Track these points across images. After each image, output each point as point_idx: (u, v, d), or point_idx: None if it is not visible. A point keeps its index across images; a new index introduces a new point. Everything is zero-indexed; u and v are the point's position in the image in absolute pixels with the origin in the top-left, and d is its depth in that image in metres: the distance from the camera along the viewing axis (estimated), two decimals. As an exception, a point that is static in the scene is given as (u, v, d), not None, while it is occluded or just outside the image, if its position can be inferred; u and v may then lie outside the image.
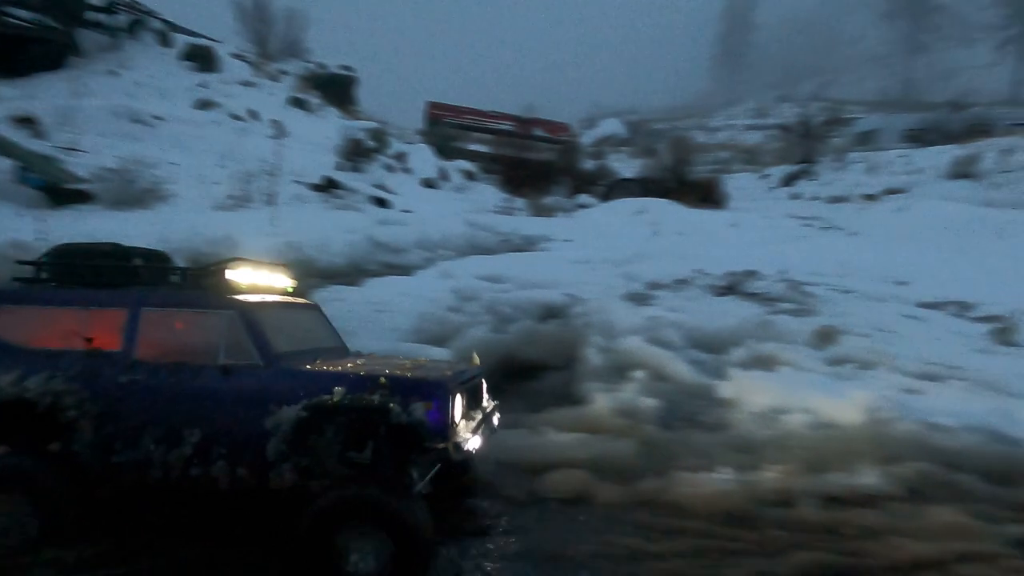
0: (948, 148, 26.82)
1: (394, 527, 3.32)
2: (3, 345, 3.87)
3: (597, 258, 13.60)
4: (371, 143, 21.50)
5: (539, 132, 30.41)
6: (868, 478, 4.52)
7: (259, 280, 4.29)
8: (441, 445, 3.53)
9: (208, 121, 19.00)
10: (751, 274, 11.09)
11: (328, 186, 18.61)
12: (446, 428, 3.56)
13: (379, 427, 3.54)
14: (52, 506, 3.66)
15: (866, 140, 30.29)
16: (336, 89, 24.72)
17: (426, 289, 9.50)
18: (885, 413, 5.16)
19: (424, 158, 23.45)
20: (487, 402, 4.44)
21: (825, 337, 7.55)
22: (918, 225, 15.03)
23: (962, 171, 25.32)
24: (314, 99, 23.40)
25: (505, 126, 29.77)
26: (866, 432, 5.03)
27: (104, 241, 4.57)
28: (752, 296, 9.73)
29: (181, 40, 21.64)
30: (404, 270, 12.08)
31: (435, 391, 3.61)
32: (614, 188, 25.53)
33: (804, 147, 29.33)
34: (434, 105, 29.56)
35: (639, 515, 4.23)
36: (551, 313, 8.59)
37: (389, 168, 21.64)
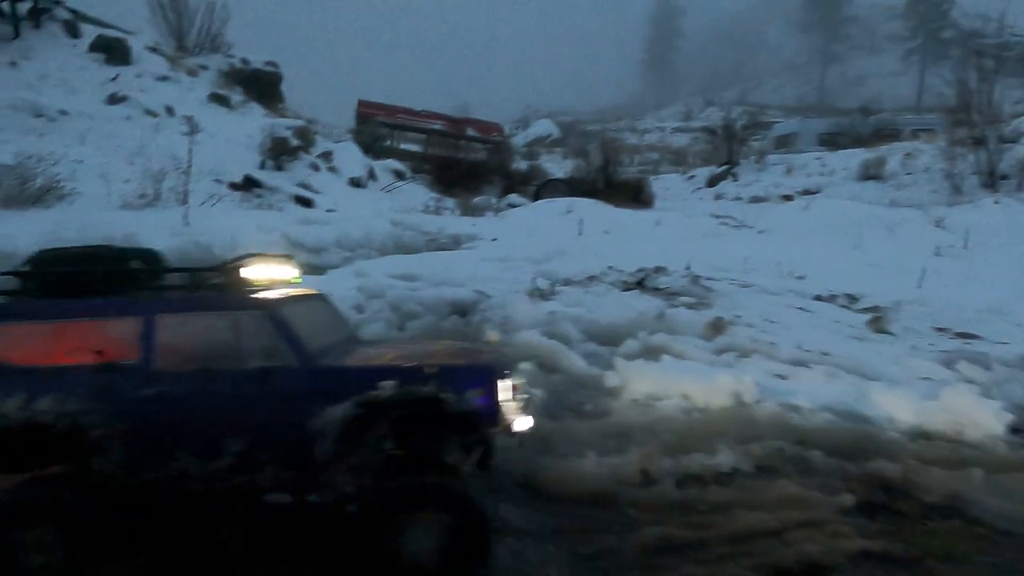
0: (858, 151, 28.46)
1: (461, 512, 3.40)
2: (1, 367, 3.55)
3: (518, 256, 13.78)
4: (296, 141, 21.09)
5: (471, 132, 30.50)
6: (725, 457, 4.80)
7: (272, 275, 4.07)
8: (495, 429, 3.59)
9: (119, 117, 18.24)
10: (660, 270, 11.47)
11: (248, 185, 18.19)
12: (498, 412, 3.61)
13: (432, 417, 3.55)
14: (82, 534, 3.43)
15: (785, 143, 31.75)
16: (260, 86, 24.12)
17: (335, 288, 9.36)
18: (749, 397, 5.49)
19: (352, 157, 23.17)
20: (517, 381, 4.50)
21: (715, 328, 7.92)
22: (820, 223, 15.90)
23: (870, 173, 26.93)
24: (236, 95, 22.77)
25: (437, 126, 29.72)
26: (730, 414, 5.34)
27: (96, 244, 4.29)
28: (656, 291, 10.08)
29: (90, 31, 20.66)
30: (319, 269, 11.94)
31: (485, 377, 3.64)
32: (544, 188, 25.88)
33: (727, 149, 30.49)
34: (364, 104, 29.22)
35: (506, 499, 4.37)
36: (457, 310, 8.69)
37: (314, 167, 21.29)
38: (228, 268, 3.93)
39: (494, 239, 17.28)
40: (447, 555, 3.38)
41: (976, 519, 4.23)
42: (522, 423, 3.80)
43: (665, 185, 30.18)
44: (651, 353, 6.98)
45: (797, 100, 39.49)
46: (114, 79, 19.58)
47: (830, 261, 13.31)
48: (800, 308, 9.71)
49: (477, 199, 23.94)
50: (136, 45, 21.27)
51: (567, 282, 10.92)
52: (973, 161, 23.91)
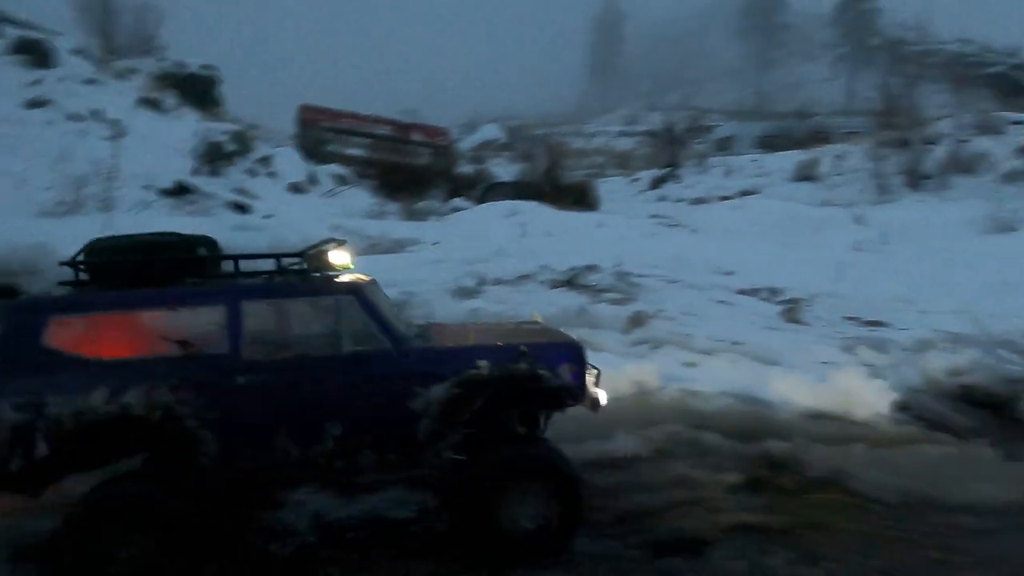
0: (793, 153, 29.48)
1: (559, 481, 3.57)
2: (71, 359, 3.38)
3: (456, 258, 13.79)
4: (232, 146, 20.64)
5: (417, 137, 30.34)
6: (622, 442, 4.90)
7: (343, 260, 4.00)
8: (583, 403, 3.83)
9: (40, 121, 17.51)
10: (591, 268, 11.65)
11: (180, 191, 17.70)
12: (585, 387, 3.82)
13: (527, 394, 3.70)
14: (181, 530, 3.32)
15: (725, 146, 32.66)
16: (197, 89, 23.50)
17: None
18: (652, 384, 5.62)
19: (292, 162, 22.81)
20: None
21: (635, 322, 8.09)
22: (751, 222, 16.41)
23: (804, 174, 27.90)
24: (170, 99, 22.14)
25: (382, 130, 29.47)
26: (632, 402, 5.45)
27: (157, 232, 4.15)
28: (584, 288, 10.24)
29: (10, 32, 19.80)
30: (246, 274, 11.73)
31: (573, 354, 3.83)
32: (490, 191, 25.97)
33: (670, 152, 31.16)
34: (307, 108, 28.76)
35: (401, 491, 4.36)
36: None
37: (252, 172, 20.86)
38: (311, 253, 3.84)
39: (435, 242, 17.27)
40: (547, 523, 3.55)
41: (853, 491, 4.43)
42: (603, 397, 3.97)
43: (610, 188, 30.63)
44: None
45: (737, 104, 40.83)
46: (36, 83, 18.81)
47: (758, 257, 13.74)
48: (722, 301, 9.99)
49: (421, 203, 23.87)
50: (61, 47, 20.48)
51: (498, 281, 11.00)
52: (898, 162, 25.08)
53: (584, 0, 63.56)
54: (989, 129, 26.98)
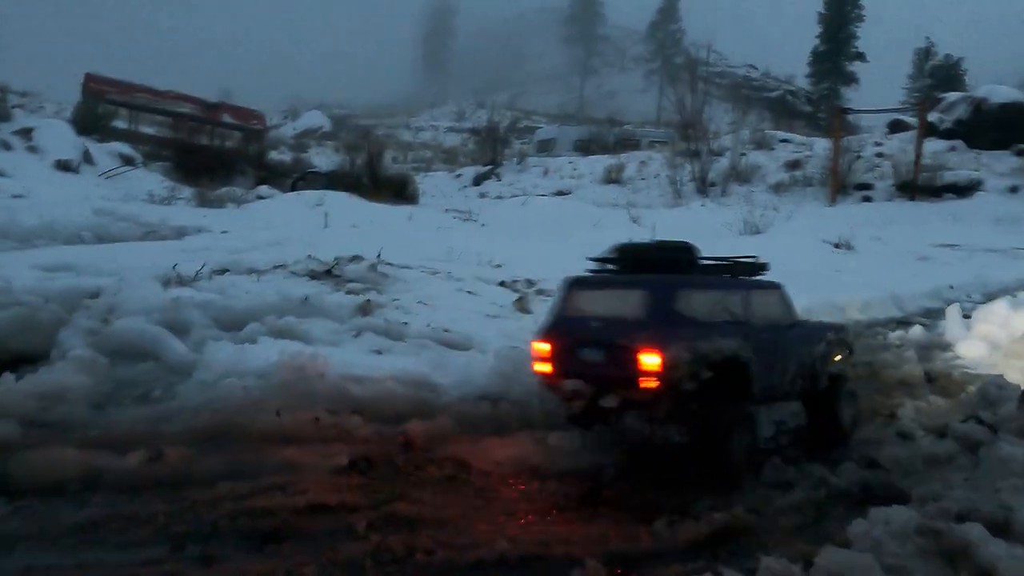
0: (604, 158, 31.52)
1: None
2: (688, 319, 5.08)
3: (223, 247, 13.00)
4: (-23, 114, 17.96)
5: (227, 119, 28.40)
6: (268, 425, 4.81)
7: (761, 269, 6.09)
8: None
9: None
10: (355, 259, 11.50)
11: None
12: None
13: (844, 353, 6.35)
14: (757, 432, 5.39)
15: (546, 147, 34.09)
16: (-63, 46, 20.11)
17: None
18: (313, 371, 5.59)
19: (61, 136, 20.35)
20: None
21: (362, 310, 8.06)
22: (538, 218, 17.23)
23: (612, 177, 29.90)
24: None
25: (184, 109, 27.20)
26: (290, 388, 5.38)
27: (671, 240, 6.02)
28: (334, 278, 10.07)
29: None
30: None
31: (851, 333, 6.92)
32: (302, 181, 24.95)
33: (493, 150, 31.90)
34: (93, 78, 25.80)
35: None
36: (85, 296, 7.84)
37: (6, 145, 18.32)
38: (757, 261, 5.90)
39: (224, 231, 16.20)
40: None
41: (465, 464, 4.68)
42: None
43: (435, 183, 30.78)
44: (279, 334, 6.90)
45: (559, 108, 42.90)
46: None
47: (531, 252, 14.41)
48: (470, 292, 10.28)
49: (221, 190, 22.34)
50: None
51: (250, 270, 10.49)
52: (690, 170, 27.72)
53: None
54: (764, 145, 30.67)
